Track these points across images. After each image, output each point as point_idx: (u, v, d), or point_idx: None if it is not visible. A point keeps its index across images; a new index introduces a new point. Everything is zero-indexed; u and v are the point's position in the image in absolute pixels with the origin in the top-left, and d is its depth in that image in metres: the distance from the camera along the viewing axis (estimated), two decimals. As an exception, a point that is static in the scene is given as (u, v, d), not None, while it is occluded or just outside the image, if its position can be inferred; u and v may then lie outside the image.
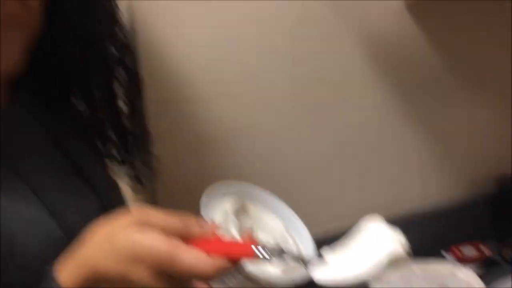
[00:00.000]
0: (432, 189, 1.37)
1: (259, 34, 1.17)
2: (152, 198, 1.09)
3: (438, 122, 1.34)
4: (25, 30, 0.68)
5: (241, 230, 0.88)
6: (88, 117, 0.89)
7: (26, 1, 0.66)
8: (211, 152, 1.19)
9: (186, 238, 0.58)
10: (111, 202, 0.83)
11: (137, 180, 0.97)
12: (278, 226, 0.95)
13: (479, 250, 1.33)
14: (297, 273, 0.87)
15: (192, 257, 0.56)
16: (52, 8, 0.71)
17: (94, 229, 0.61)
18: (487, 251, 1.32)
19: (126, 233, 0.57)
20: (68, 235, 0.67)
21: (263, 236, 0.92)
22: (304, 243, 0.97)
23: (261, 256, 0.60)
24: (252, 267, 0.80)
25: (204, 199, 0.86)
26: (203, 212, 0.84)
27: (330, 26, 1.18)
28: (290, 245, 0.95)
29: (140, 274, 0.55)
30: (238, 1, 1.13)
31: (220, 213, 0.88)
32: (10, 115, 0.74)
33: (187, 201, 1.05)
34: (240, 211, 0.93)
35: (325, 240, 1.17)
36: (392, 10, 1.21)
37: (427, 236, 1.34)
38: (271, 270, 0.85)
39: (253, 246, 0.60)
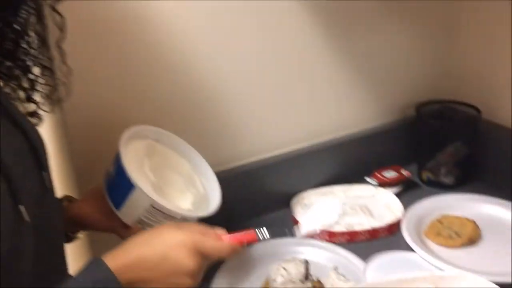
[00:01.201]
0: (356, 115, 1.37)
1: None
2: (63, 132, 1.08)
3: (363, 51, 1.34)
4: None
5: (152, 169, 0.97)
6: None
7: None
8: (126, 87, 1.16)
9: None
10: (37, 142, 0.83)
11: (37, 118, 0.95)
12: (185, 166, 1.02)
13: (399, 173, 1.43)
14: (204, 209, 1.00)
15: (216, 242, 0.82)
16: None
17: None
18: (407, 174, 1.41)
19: (168, 230, 0.78)
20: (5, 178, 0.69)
21: (170, 176, 0.98)
22: (210, 183, 1.05)
23: (261, 238, 0.87)
24: (169, 206, 0.90)
25: (122, 140, 0.93)
26: (122, 155, 0.91)
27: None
28: (198, 186, 1.01)
29: (179, 253, 0.75)
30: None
31: (134, 153, 0.96)
32: None
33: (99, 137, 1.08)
34: (151, 152, 1.00)
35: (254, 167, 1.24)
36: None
37: (350, 162, 1.39)
38: (183, 206, 0.96)
39: (256, 232, 0.87)
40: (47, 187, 0.79)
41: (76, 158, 1.08)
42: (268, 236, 0.89)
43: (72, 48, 0.88)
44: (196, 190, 1.00)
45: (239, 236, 0.87)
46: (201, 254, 0.77)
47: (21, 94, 0.87)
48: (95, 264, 0.71)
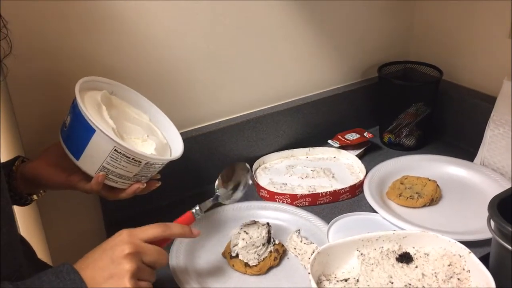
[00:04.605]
0: (319, 78, 1.34)
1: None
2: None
3: (325, 13, 1.31)
4: None
5: (111, 118, 0.92)
6: None
7: None
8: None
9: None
10: None
11: None
12: (143, 118, 0.99)
13: (362, 136, 1.42)
14: (167, 154, 0.99)
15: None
16: None
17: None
18: (368, 136, 1.40)
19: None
20: None
21: (130, 126, 0.95)
22: (170, 133, 1.03)
23: (197, 216, 0.89)
24: (133, 149, 0.87)
25: (77, 87, 0.88)
26: (79, 101, 0.86)
27: None
28: (158, 135, 0.98)
29: (114, 243, 0.74)
30: None
31: (91, 101, 0.91)
32: None
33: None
34: (107, 104, 0.95)
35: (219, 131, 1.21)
36: None
37: (312, 124, 1.37)
38: (147, 151, 0.92)
39: (192, 212, 0.89)
40: None
41: (21, 125, 1.02)
42: (201, 211, 0.90)
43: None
44: (158, 139, 0.96)
45: (177, 221, 0.87)
46: (136, 238, 0.75)
47: None
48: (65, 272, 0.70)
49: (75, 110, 0.84)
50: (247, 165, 0.99)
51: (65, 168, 0.90)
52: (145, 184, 0.91)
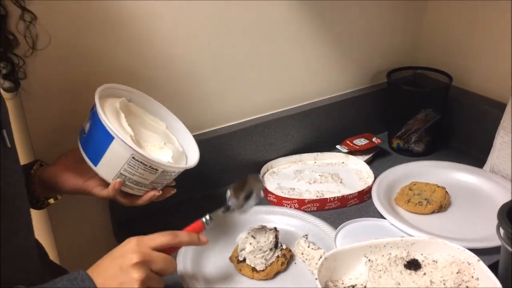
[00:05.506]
0: (328, 83, 1.37)
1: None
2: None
3: (334, 19, 1.31)
4: None
5: (129, 125, 0.93)
6: None
7: None
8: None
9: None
10: None
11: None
12: (160, 126, 1.00)
13: (370, 141, 1.42)
14: (183, 162, 1.00)
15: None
16: None
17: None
18: (377, 142, 1.40)
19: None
20: None
21: (147, 134, 0.96)
22: (186, 140, 1.04)
23: (207, 225, 0.88)
24: (151, 157, 0.88)
25: (97, 94, 0.89)
26: (99, 108, 0.87)
27: None
28: (175, 143, 0.99)
29: (123, 250, 0.75)
30: None
31: (109, 108, 0.93)
32: None
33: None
34: (126, 111, 0.96)
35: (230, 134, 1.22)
36: None
37: (321, 129, 1.37)
38: (164, 159, 0.94)
39: (202, 221, 0.88)
40: (8, 146, 0.75)
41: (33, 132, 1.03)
42: (212, 221, 0.89)
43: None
44: (174, 147, 0.97)
45: (187, 229, 0.88)
46: (145, 247, 0.76)
47: None
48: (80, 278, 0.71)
49: (94, 116, 0.86)
50: (260, 177, 0.99)
51: (82, 173, 0.91)
52: (161, 191, 0.92)
